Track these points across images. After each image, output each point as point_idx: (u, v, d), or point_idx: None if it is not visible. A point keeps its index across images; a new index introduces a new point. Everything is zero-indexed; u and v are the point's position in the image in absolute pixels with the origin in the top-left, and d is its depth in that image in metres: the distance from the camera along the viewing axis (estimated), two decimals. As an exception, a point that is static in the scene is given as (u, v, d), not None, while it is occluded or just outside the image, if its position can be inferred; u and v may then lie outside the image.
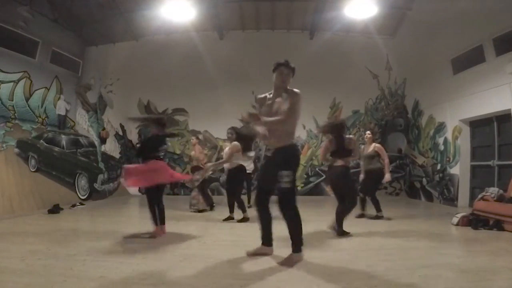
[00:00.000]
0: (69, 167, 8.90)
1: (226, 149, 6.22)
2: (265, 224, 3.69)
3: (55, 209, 7.23)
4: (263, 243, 3.76)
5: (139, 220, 6.81)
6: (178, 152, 11.58)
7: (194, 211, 7.40)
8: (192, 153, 7.94)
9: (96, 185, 9.78)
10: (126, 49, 11.04)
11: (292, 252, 3.51)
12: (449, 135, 8.76)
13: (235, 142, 5.99)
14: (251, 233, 4.48)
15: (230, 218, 6.19)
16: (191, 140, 8.05)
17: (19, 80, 7.69)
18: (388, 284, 2.94)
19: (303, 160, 11.15)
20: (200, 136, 8.91)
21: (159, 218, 4.90)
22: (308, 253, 3.75)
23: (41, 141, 8.22)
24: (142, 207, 8.93)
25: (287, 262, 3.44)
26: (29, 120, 7.96)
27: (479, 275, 3.14)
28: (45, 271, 3.23)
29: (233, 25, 10.83)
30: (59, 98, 8.92)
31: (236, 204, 6.16)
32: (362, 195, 6.51)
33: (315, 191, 11.17)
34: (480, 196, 6.11)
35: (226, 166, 6.17)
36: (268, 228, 3.71)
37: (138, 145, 4.91)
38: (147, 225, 5.47)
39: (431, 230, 5.40)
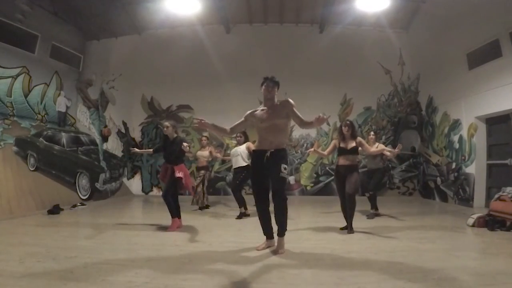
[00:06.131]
0: (69, 166, 8.74)
1: (243, 148, 6.73)
2: (268, 219, 4.15)
3: (55, 210, 7.13)
4: (267, 238, 4.21)
5: (142, 220, 6.85)
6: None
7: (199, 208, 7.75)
8: (198, 152, 7.95)
9: (97, 185, 9.62)
10: (128, 43, 10.94)
11: (279, 236, 4.03)
12: (464, 132, 8.55)
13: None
14: (258, 235, 4.42)
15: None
16: (202, 141, 8.09)
17: (17, 75, 7.54)
18: (401, 287, 2.89)
19: (312, 158, 10.96)
20: (206, 134, 8.76)
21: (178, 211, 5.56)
22: (318, 255, 3.86)
23: (41, 139, 8.07)
24: (145, 207, 8.94)
25: (281, 247, 3.99)
26: (28, 117, 7.82)
27: (495, 278, 3.05)
28: (44, 274, 3.17)
29: (240, 18, 10.75)
30: (59, 94, 8.79)
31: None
32: (371, 193, 6.68)
33: (325, 190, 10.95)
34: (496, 196, 5.94)
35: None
36: (270, 222, 4.18)
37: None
38: (150, 226, 5.73)
39: (445, 232, 5.30)
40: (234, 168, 6.84)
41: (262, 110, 4.08)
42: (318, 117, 3.60)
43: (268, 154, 3.92)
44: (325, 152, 5.65)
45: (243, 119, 4.17)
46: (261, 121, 4.00)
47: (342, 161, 5.26)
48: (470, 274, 3.17)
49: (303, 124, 4.00)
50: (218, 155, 8.06)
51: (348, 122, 5.40)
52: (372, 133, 7.01)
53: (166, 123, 5.53)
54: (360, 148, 5.38)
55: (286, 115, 4.01)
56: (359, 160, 5.60)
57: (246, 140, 6.83)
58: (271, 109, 4.02)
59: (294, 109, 4.01)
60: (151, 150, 6.06)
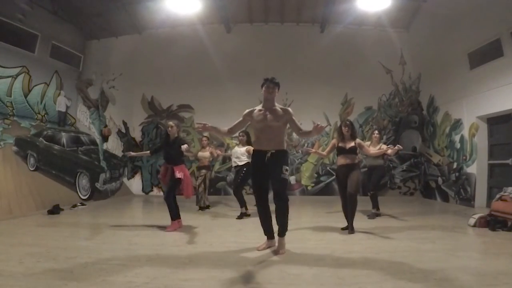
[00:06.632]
0: (69, 166, 8.69)
1: (243, 150, 6.64)
2: (268, 220, 4.14)
3: (55, 210, 7.08)
4: (268, 238, 4.19)
5: (142, 220, 6.82)
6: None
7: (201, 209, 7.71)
8: (199, 153, 7.91)
9: (97, 185, 9.57)
10: (129, 43, 10.91)
11: (279, 236, 4.02)
12: (465, 132, 8.51)
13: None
14: (259, 235, 4.41)
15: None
16: (202, 141, 8.07)
17: (17, 75, 7.49)
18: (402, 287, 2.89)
19: (313, 158, 10.92)
20: (206, 134, 8.73)
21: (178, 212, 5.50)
22: (319, 256, 3.85)
23: (41, 138, 8.03)
24: (145, 207, 8.93)
25: (282, 247, 3.98)
26: (28, 117, 7.77)
27: (497, 278, 3.04)
28: (44, 274, 3.14)
29: (240, 17, 10.71)
30: (59, 94, 8.73)
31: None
32: (372, 192, 6.68)
33: (326, 190, 10.90)
34: (498, 196, 5.89)
35: None
36: (271, 223, 4.17)
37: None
38: (150, 226, 5.71)
39: (446, 232, 5.28)
40: (234, 167, 6.88)
41: (260, 110, 4.09)
42: (316, 125, 3.62)
43: (269, 154, 3.91)
44: (324, 153, 5.68)
45: (241, 118, 4.19)
46: (257, 122, 4.03)
47: (342, 161, 5.24)
48: (471, 275, 3.16)
49: (301, 133, 4.04)
50: (219, 151, 8.05)
51: (348, 122, 5.37)
52: (376, 132, 6.93)
53: (171, 123, 5.56)
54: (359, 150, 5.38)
55: (284, 121, 4.01)
56: (359, 160, 5.57)
57: (249, 139, 6.74)
58: (268, 111, 4.02)
59: (294, 118, 4.03)
60: (148, 152, 6.05)
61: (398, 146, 5.54)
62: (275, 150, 3.92)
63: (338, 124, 10.58)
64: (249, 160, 6.36)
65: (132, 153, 6.21)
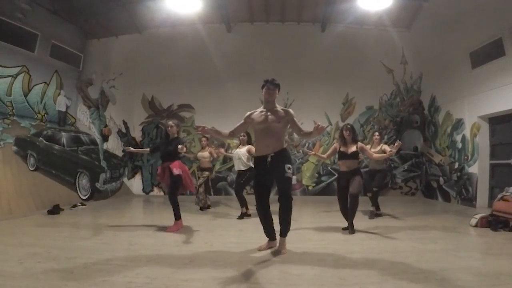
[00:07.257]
0: (69, 166, 8.67)
1: (244, 151, 6.65)
2: (269, 221, 4.14)
3: (55, 210, 7.09)
4: (270, 239, 4.20)
5: (143, 220, 6.81)
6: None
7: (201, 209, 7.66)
8: (199, 154, 7.89)
9: (98, 185, 9.56)
10: (129, 42, 10.88)
11: (281, 236, 4.04)
12: (467, 132, 8.49)
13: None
14: (259, 235, 4.41)
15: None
16: (202, 142, 8.01)
17: (17, 74, 7.46)
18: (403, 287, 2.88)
19: (314, 158, 10.90)
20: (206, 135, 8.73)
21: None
22: (320, 256, 3.85)
23: (41, 138, 8.00)
24: (146, 207, 8.93)
25: (283, 247, 4.01)
26: (27, 116, 7.73)
27: (499, 279, 3.04)
28: (44, 275, 3.15)
29: (241, 17, 10.68)
30: (59, 94, 8.69)
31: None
32: (375, 190, 6.67)
33: (327, 190, 10.88)
34: (499, 196, 5.87)
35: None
36: (272, 224, 4.17)
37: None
38: (150, 226, 5.71)
39: (448, 232, 5.27)
40: (237, 171, 6.85)
41: (261, 112, 4.10)
42: (317, 126, 3.63)
43: (269, 158, 3.92)
44: (325, 156, 5.68)
45: (242, 121, 4.21)
46: (258, 123, 4.03)
47: (343, 166, 5.27)
48: (472, 275, 3.16)
49: (302, 134, 4.05)
50: (221, 150, 8.04)
51: (349, 126, 5.41)
52: (376, 133, 6.98)
53: (170, 122, 5.55)
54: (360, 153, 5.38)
55: (285, 122, 4.04)
56: (360, 160, 5.56)
57: (249, 139, 6.78)
58: (270, 112, 4.04)
59: (295, 119, 4.05)
60: (148, 150, 6.01)
61: (398, 142, 5.52)
62: (274, 153, 3.93)
63: (339, 124, 10.69)
64: (251, 165, 6.39)
65: (132, 149, 6.16)
